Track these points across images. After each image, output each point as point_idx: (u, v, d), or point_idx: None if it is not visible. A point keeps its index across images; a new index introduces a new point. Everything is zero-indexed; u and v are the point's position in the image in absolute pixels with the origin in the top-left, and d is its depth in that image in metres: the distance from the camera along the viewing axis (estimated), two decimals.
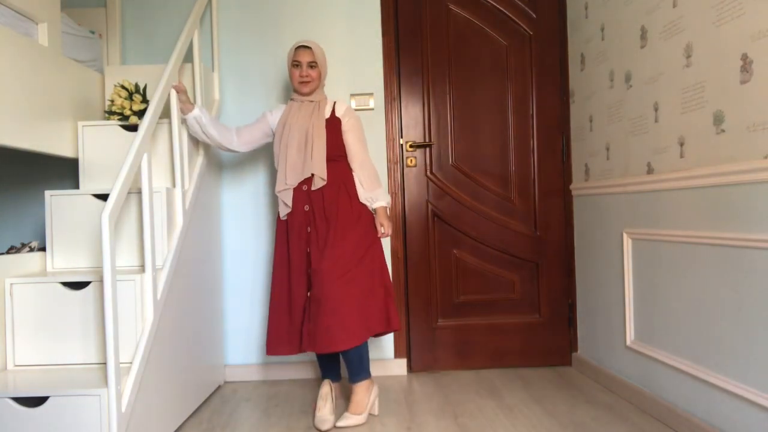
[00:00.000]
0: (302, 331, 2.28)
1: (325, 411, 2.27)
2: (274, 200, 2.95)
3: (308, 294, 2.29)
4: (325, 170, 2.34)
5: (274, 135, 2.47)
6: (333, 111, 2.44)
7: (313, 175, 2.33)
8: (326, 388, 2.35)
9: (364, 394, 2.32)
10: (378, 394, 2.41)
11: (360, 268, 2.29)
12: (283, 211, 2.37)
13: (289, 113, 2.42)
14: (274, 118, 2.48)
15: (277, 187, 2.38)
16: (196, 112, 2.37)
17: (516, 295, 3.03)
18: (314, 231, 2.32)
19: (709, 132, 1.92)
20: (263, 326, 2.94)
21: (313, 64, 2.39)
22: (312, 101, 2.42)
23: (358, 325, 2.24)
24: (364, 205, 2.39)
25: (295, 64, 2.40)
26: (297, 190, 2.36)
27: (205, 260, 2.61)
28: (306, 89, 2.40)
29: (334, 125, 2.40)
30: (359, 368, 2.32)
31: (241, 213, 2.96)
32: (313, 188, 2.34)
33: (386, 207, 2.43)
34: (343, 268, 2.25)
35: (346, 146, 2.42)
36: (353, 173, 2.41)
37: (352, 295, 2.24)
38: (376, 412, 2.37)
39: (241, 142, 2.51)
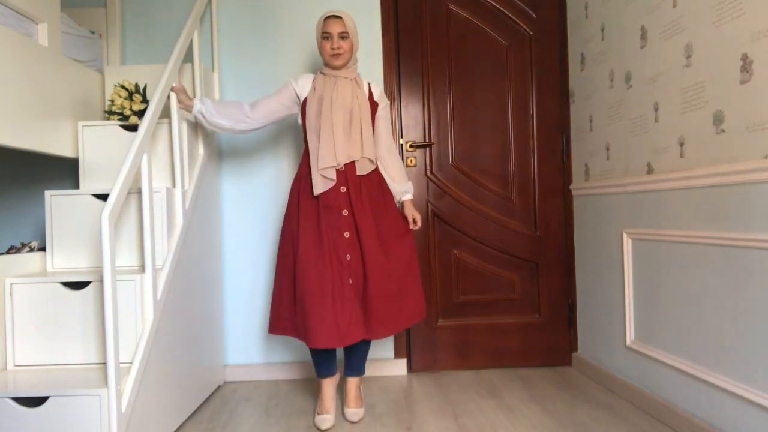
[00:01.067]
0: (344, 319, 2.16)
1: (329, 412, 2.28)
2: (275, 200, 2.95)
3: (349, 281, 2.18)
4: (375, 155, 2.32)
5: (302, 106, 2.33)
6: (370, 93, 2.38)
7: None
8: (332, 390, 2.34)
9: (359, 387, 2.41)
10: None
11: (401, 257, 2.28)
12: (326, 186, 2.22)
13: (324, 87, 2.28)
14: (302, 88, 2.34)
15: (324, 163, 2.20)
16: (197, 107, 2.32)
17: (516, 295, 3.03)
18: (352, 215, 2.23)
19: (709, 132, 1.92)
20: (264, 326, 2.94)
21: (344, 35, 2.26)
22: (348, 78, 2.31)
23: (400, 314, 2.27)
24: (387, 187, 2.37)
25: (325, 36, 2.27)
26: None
27: (205, 260, 2.61)
28: (338, 62, 2.27)
29: (372, 109, 2.35)
30: (363, 362, 2.40)
31: (241, 213, 2.96)
32: (359, 173, 2.26)
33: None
34: (388, 257, 2.24)
35: (375, 132, 2.37)
36: (380, 160, 2.39)
37: (407, 285, 2.28)
38: None
39: (256, 116, 2.34)
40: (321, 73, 2.35)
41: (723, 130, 1.85)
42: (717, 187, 1.88)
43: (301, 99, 2.34)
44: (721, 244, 1.86)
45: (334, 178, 2.22)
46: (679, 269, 2.10)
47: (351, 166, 2.27)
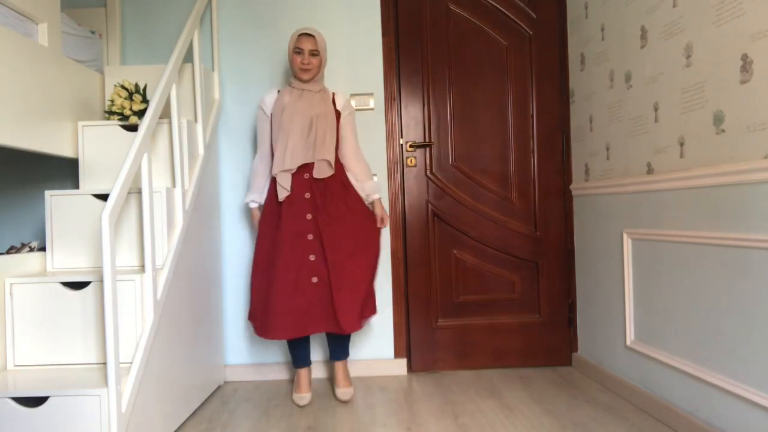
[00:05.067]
0: (313, 313, 2.38)
1: (307, 392, 2.55)
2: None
3: (313, 279, 2.37)
4: (334, 159, 2.45)
5: (270, 122, 2.51)
6: (334, 103, 2.54)
7: (313, 163, 2.42)
8: (308, 378, 2.59)
9: (346, 368, 2.63)
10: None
11: (365, 254, 2.44)
12: (282, 194, 2.40)
13: (289, 98, 2.46)
14: (268, 107, 2.52)
15: (275, 169, 2.39)
16: (255, 205, 2.57)
17: (516, 295, 3.03)
18: (316, 219, 2.40)
19: (709, 132, 1.92)
20: None
21: (315, 53, 2.45)
22: (313, 91, 2.48)
23: (369, 306, 2.48)
24: (357, 195, 2.52)
25: (297, 50, 2.44)
26: (297, 177, 2.42)
27: (205, 260, 2.61)
28: (306, 76, 2.46)
29: (336, 117, 2.52)
30: (347, 347, 2.63)
31: (241, 212, 2.96)
32: (316, 176, 2.41)
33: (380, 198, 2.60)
34: (353, 254, 2.41)
35: (341, 138, 2.52)
36: (345, 164, 2.54)
37: (363, 280, 2.42)
38: None
39: (269, 156, 2.53)
40: (289, 85, 2.53)
41: (723, 130, 1.85)
42: (717, 187, 1.88)
43: (269, 115, 2.53)
44: (721, 244, 1.86)
45: (288, 188, 2.39)
46: (679, 269, 2.10)
47: (311, 171, 2.43)
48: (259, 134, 2.57)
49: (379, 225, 2.54)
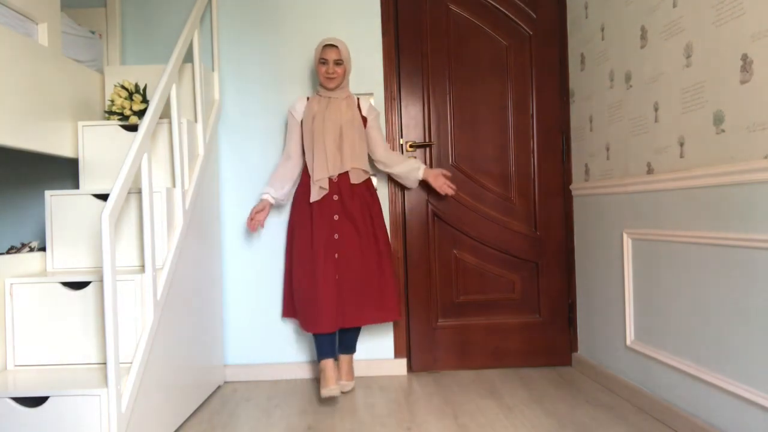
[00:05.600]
0: (331, 309, 2.48)
1: (334, 384, 2.49)
2: None
3: (336, 276, 2.50)
4: (367, 163, 2.64)
5: (300, 128, 2.64)
6: (359, 108, 2.67)
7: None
8: (334, 369, 2.55)
9: (351, 362, 2.72)
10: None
11: (388, 257, 2.62)
12: (319, 195, 2.53)
13: (318, 107, 2.60)
14: (299, 113, 2.66)
15: (317, 175, 2.53)
16: (270, 200, 2.64)
17: (516, 295, 3.03)
18: (342, 220, 2.54)
19: (709, 132, 1.92)
20: (264, 326, 2.94)
21: (339, 62, 2.57)
22: (339, 98, 2.61)
23: (377, 309, 2.59)
24: (378, 200, 2.67)
25: (322, 61, 2.57)
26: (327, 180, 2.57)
27: (205, 260, 2.61)
28: (332, 84, 2.59)
29: (363, 123, 2.67)
30: (355, 342, 2.72)
31: (241, 212, 2.96)
32: (352, 181, 2.57)
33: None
34: (381, 254, 2.59)
35: (369, 139, 2.69)
36: (377, 159, 2.72)
37: (393, 277, 2.62)
38: None
39: (297, 160, 2.66)
40: (317, 94, 2.66)
41: (723, 130, 1.85)
42: (717, 187, 1.88)
43: (299, 121, 2.65)
44: (721, 244, 1.86)
45: (327, 187, 2.54)
46: (679, 269, 2.10)
47: (344, 176, 2.57)
48: (287, 138, 2.69)
49: (445, 181, 2.70)
